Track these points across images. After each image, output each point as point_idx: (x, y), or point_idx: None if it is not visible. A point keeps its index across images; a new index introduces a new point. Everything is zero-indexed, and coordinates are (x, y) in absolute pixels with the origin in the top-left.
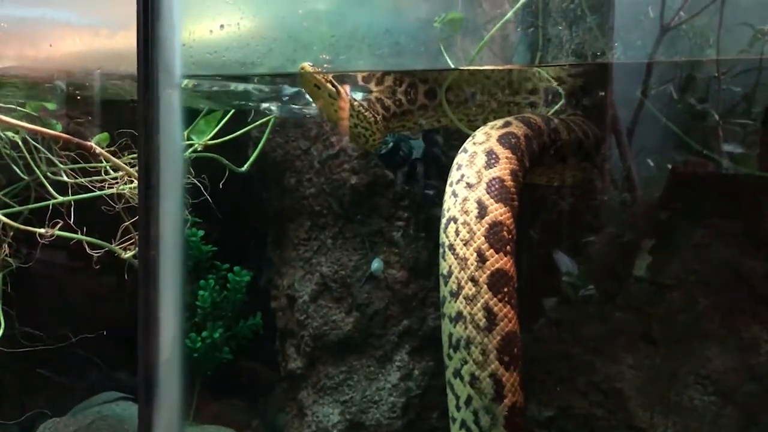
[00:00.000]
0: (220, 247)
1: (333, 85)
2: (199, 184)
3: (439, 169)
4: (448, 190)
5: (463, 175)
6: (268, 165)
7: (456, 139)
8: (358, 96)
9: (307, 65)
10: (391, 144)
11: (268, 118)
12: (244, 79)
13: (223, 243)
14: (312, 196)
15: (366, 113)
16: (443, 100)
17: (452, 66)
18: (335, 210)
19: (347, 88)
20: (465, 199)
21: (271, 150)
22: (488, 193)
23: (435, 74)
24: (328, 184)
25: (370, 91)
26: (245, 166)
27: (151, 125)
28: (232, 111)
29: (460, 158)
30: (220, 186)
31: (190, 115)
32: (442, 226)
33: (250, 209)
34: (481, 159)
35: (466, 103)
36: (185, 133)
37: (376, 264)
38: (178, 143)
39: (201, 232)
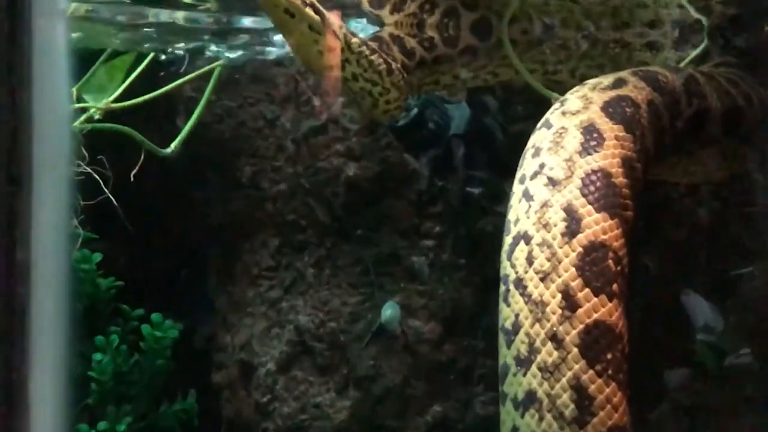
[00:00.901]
0: (129, 282)
1: (316, 11)
2: (96, 176)
3: (494, 153)
4: (517, 189)
5: (542, 166)
6: (209, 145)
7: (523, 104)
8: (359, 31)
9: None
10: (414, 111)
11: (210, 67)
12: (170, 2)
13: (136, 274)
14: (282, 197)
15: (374, 59)
16: (505, 38)
17: None
18: (320, 220)
19: (338, 16)
20: (545, 205)
21: (216, 120)
22: (584, 195)
23: None
24: (308, 178)
25: (382, 24)
26: (172, 145)
27: (16, 77)
28: (151, 55)
29: (539, 138)
30: (131, 179)
31: (83, 63)
32: (505, 248)
33: (179, 218)
34: (575, 139)
35: (541, 45)
36: (74, 90)
37: (389, 311)
38: (61, 107)
39: (98, 257)
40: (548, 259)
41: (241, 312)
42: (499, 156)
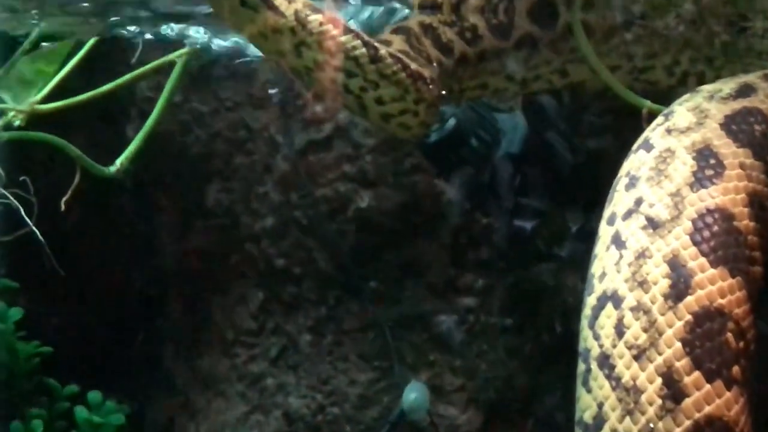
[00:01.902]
0: (59, 347)
1: None
2: (15, 202)
3: (557, 178)
4: (604, 232)
5: (640, 201)
6: (169, 162)
7: (599, 114)
8: (349, 17)
9: None
10: (451, 122)
11: (171, 56)
12: None
13: (68, 337)
14: (268, 236)
15: (395, 67)
16: (576, 24)
17: None
18: (321, 268)
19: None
20: (642, 255)
21: (181, 130)
22: (696, 243)
23: None
24: (305, 210)
25: (412, 7)
26: (118, 162)
27: None
28: (91, 41)
29: (635, 163)
30: (62, 206)
31: (4, 49)
32: (586, 312)
33: (126, 261)
34: (684, 167)
35: (626, 32)
36: None
37: (414, 394)
38: None
39: (17, 313)
40: (645, 330)
41: (210, 391)
42: (564, 182)
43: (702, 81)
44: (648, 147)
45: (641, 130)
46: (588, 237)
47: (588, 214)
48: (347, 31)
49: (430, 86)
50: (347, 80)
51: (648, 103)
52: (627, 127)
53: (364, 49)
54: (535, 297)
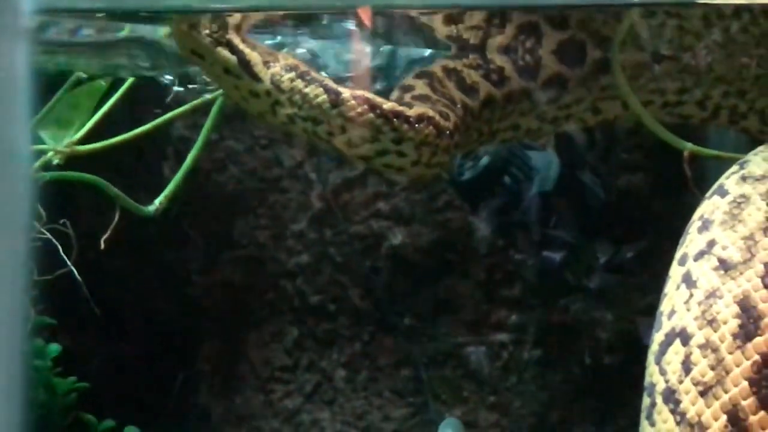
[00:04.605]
0: (96, 383)
1: (233, 50)
2: (56, 242)
3: (589, 215)
4: (675, 273)
5: (712, 244)
6: (206, 201)
7: (630, 151)
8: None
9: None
10: (485, 160)
11: (210, 97)
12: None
13: (104, 373)
14: (303, 273)
15: (360, 108)
16: (615, 63)
17: None
18: (355, 304)
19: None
20: (713, 295)
21: (216, 168)
22: (767, 286)
23: (586, 12)
24: (339, 247)
25: (431, 41)
26: (157, 201)
27: None
28: (129, 81)
29: (709, 208)
30: (102, 245)
31: (41, 91)
32: (654, 348)
33: (164, 298)
34: (759, 212)
35: (656, 67)
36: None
37: (448, 429)
38: (21, 149)
39: (55, 349)
40: (712, 368)
41: (245, 427)
42: (593, 216)
43: (734, 114)
44: (723, 193)
45: (673, 167)
46: (617, 269)
47: (617, 246)
48: (312, 81)
49: (429, 127)
50: (314, 127)
51: (689, 145)
52: (658, 164)
53: (325, 96)
54: (565, 330)
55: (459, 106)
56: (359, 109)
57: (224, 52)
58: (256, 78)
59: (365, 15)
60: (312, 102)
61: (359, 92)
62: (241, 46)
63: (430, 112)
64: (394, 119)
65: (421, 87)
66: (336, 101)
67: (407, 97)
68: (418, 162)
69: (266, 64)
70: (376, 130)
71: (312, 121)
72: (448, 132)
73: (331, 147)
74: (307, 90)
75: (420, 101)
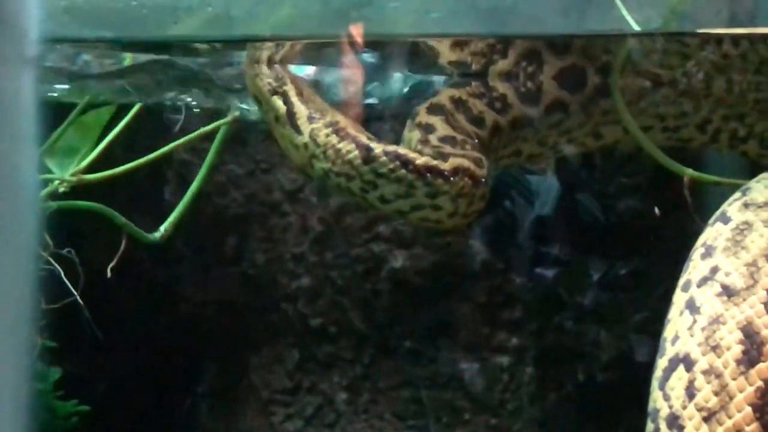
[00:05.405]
0: (97, 406)
1: (285, 100)
2: (59, 268)
3: (583, 234)
4: (679, 299)
5: (715, 270)
6: (207, 224)
7: (629, 175)
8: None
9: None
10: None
11: (217, 124)
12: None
13: (105, 396)
14: (304, 295)
15: (392, 165)
16: (615, 91)
17: (634, 27)
18: (356, 327)
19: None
20: (716, 321)
21: (217, 192)
22: None
23: (586, 41)
24: (340, 270)
25: (432, 63)
26: (162, 228)
27: None
28: (135, 107)
29: (712, 234)
30: (108, 273)
31: (48, 119)
32: (657, 374)
33: (164, 322)
34: (761, 239)
35: (656, 92)
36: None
37: None
38: (29, 178)
39: (56, 373)
40: (716, 393)
41: None
42: (588, 235)
43: (734, 137)
44: (725, 220)
45: (671, 190)
46: (609, 286)
47: (610, 263)
48: (346, 137)
49: (464, 179)
50: (348, 183)
51: (689, 171)
52: (652, 187)
53: (357, 152)
54: (559, 348)
55: (476, 141)
56: (391, 166)
57: (278, 102)
58: (297, 130)
59: (357, 34)
60: (344, 158)
61: (391, 148)
62: (294, 99)
63: (466, 163)
64: (428, 174)
65: (441, 126)
66: (367, 157)
67: (433, 140)
68: (455, 213)
69: (311, 118)
70: (409, 185)
71: (345, 177)
72: (483, 179)
73: (366, 203)
74: (340, 146)
75: (448, 144)
